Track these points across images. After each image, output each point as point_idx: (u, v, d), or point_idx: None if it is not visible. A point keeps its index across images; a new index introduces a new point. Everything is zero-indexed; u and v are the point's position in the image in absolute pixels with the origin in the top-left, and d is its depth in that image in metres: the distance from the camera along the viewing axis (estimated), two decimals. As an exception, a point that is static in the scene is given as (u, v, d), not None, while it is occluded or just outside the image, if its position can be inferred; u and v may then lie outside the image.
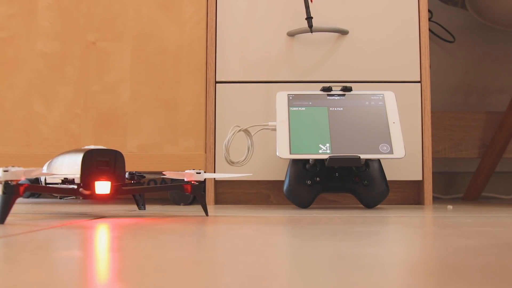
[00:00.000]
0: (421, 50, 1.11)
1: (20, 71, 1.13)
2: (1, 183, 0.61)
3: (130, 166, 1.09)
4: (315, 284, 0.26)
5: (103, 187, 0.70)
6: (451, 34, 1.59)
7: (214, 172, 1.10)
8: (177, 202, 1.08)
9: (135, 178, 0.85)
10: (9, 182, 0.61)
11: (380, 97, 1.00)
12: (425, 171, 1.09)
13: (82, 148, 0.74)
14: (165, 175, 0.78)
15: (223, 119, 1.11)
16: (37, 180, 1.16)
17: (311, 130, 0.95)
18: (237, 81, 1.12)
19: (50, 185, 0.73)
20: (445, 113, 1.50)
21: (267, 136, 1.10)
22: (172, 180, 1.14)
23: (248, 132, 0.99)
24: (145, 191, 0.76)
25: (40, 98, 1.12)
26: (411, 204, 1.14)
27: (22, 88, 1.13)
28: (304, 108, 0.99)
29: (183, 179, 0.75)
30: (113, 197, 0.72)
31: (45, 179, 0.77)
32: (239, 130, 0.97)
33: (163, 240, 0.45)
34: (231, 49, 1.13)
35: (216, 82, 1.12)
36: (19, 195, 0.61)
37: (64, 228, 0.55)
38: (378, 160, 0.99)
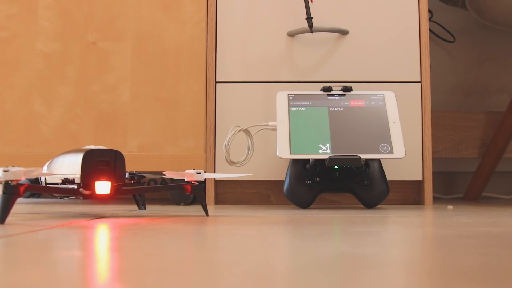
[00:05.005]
0: (421, 50, 1.11)
1: (20, 71, 1.13)
2: (1, 183, 0.61)
3: (130, 166, 1.09)
4: (315, 284, 0.26)
5: (103, 187, 0.70)
6: (451, 34, 1.59)
7: (214, 172, 1.10)
8: (177, 202, 1.08)
9: (135, 178, 0.85)
10: (9, 182, 0.61)
11: (380, 97, 1.00)
12: (425, 171, 1.09)
13: (82, 148, 0.74)
14: (165, 175, 0.78)
15: (223, 119, 1.11)
16: (37, 180, 1.16)
17: (311, 130, 0.95)
18: (237, 81, 1.12)
19: (50, 185, 0.73)
20: (445, 113, 1.50)
21: (267, 136, 1.10)
22: (172, 180, 1.14)
23: (248, 132, 0.99)
24: (145, 191, 0.76)
25: (40, 98, 1.12)
26: (411, 204, 1.14)
27: (22, 88, 1.13)
28: (304, 108, 0.99)
29: (183, 179, 0.75)
30: (113, 197, 0.72)
31: (45, 179, 0.77)
32: (239, 130, 0.97)
33: (163, 240, 0.45)
34: (231, 49, 1.13)
35: (216, 82, 1.12)
36: (19, 195, 0.61)
37: (64, 228, 0.55)
38: (378, 160, 0.99)
